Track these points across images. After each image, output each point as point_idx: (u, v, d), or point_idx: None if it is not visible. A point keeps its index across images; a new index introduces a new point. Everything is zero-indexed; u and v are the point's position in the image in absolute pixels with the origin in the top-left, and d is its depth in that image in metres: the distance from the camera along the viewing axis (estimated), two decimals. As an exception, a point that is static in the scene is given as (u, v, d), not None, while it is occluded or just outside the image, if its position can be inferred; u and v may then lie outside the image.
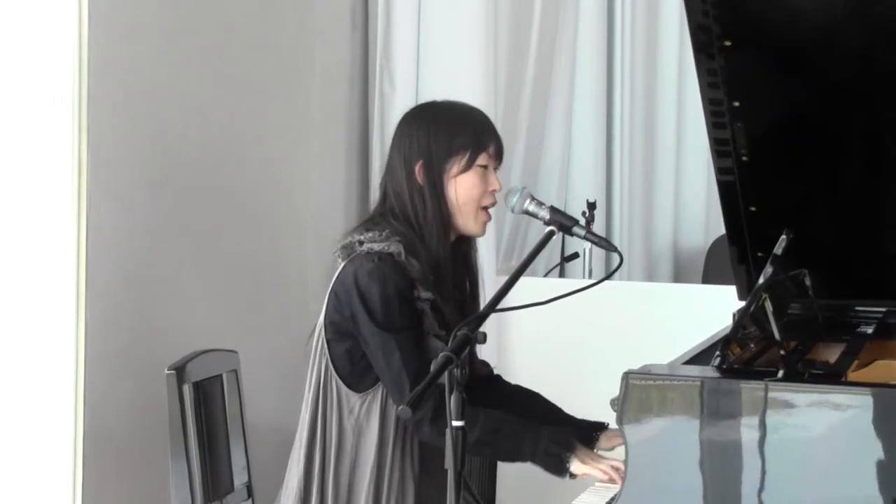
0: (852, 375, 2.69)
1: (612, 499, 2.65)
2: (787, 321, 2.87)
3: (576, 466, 2.88)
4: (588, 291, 2.84)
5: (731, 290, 4.76)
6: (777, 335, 2.60)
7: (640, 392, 2.40)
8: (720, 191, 3.14)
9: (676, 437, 2.37)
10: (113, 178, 3.90)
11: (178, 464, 3.29)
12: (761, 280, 2.74)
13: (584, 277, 5.40)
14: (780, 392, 2.34)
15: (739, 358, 2.71)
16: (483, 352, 3.22)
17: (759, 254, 3.20)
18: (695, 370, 2.53)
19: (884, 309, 3.24)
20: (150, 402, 3.89)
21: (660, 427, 2.39)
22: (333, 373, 3.02)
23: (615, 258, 5.98)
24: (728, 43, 2.77)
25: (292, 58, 4.80)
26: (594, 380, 4.67)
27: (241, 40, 4.50)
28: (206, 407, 3.42)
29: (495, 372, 3.38)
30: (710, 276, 5.87)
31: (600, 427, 3.17)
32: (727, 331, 3.23)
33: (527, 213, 2.99)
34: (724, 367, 2.53)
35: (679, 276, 6.31)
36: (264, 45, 4.63)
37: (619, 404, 2.40)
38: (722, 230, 5.98)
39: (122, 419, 3.94)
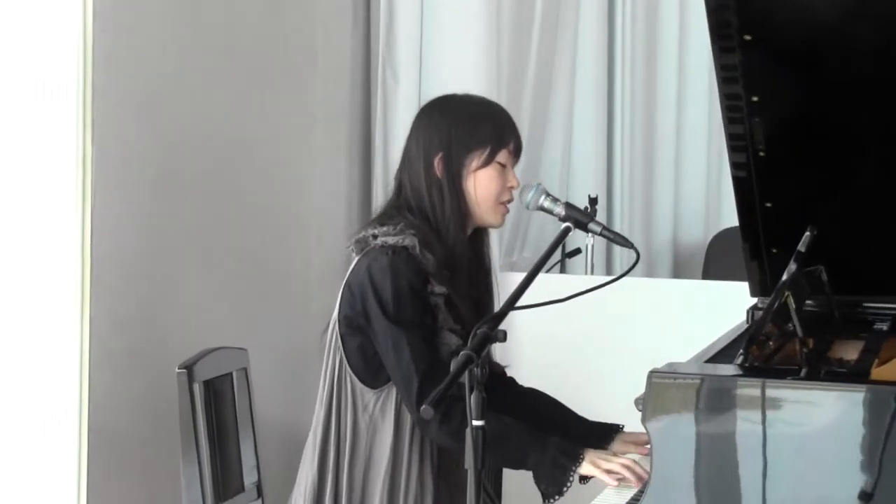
0: (874, 373, 2.67)
1: (633, 498, 2.63)
2: (803, 318, 2.85)
3: (585, 468, 2.84)
4: (582, 287, 2.84)
5: (731, 286, 4.78)
6: (800, 333, 2.57)
7: (665, 391, 2.37)
8: (735, 186, 3.11)
9: (702, 436, 2.34)
10: (117, 172, 3.86)
11: (189, 463, 3.26)
12: (785, 276, 2.71)
13: (586, 273, 5.38)
14: (808, 391, 2.32)
15: (760, 356, 2.69)
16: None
17: (774, 250, 3.17)
18: (720, 369, 2.50)
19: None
20: (154, 400, 3.86)
21: (684, 426, 2.36)
22: (348, 369, 2.99)
23: (616, 254, 6.04)
24: (748, 37, 2.74)
25: (295, 51, 4.78)
26: (593, 375, 4.71)
27: (245, 34, 4.47)
28: (217, 406, 3.39)
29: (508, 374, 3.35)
30: (711, 271, 5.87)
31: (615, 430, 3.14)
32: (741, 328, 3.24)
33: (542, 209, 2.97)
34: (747, 365, 2.50)
35: (679, 271, 6.30)
36: (268, 39, 4.60)
37: (644, 403, 2.37)
38: (722, 225, 6.08)
39: (126, 417, 3.90)
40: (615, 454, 2.91)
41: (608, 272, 5.85)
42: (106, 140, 3.79)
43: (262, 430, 3.71)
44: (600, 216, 5.62)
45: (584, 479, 2.90)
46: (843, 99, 2.85)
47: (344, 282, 3.02)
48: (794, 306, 2.59)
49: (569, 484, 2.83)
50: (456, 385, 2.31)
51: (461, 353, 2.31)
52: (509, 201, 3.08)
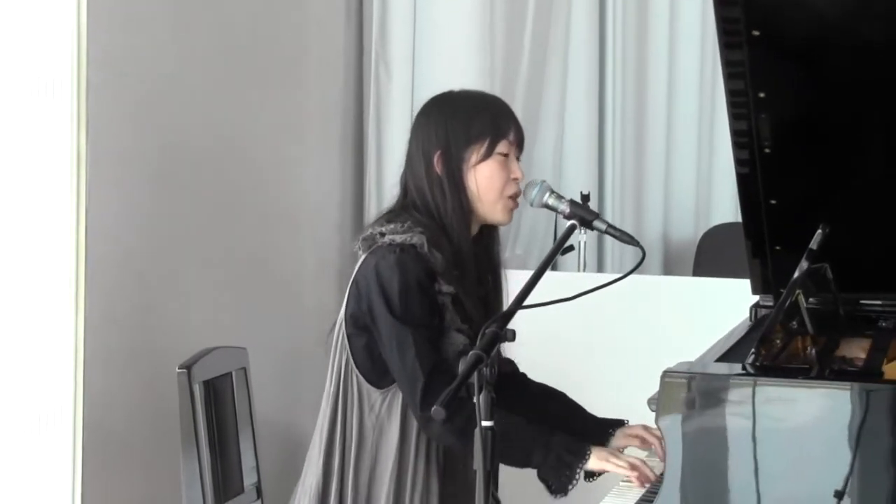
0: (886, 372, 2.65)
1: (643, 499, 2.61)
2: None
3: (594, 463, 2.81)
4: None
5: (722, 282, 4.77)
6: (811, 331, 2.55)
7: (679, 391, 2.35)
8: (738, 183, 3.09)
9: (716, 435, 2.32)
10: (112, 170, 3.84)
11: (189, 465, 3.22)
12: (797, 274, 2.69)
13: (578, 271, 5.36)
14: (824, 390, 2.31)
15: (767, 354, 2.67)
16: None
17: (777, 247, 3.15)
18: (734, 369, 2.48)
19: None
20: (149, 399, 3.84)
21: (699, 426, 2.34)
22: (354, 369, 2.95)
23: (608, 251, 6.02)
24: (756, 33, 2.71)
25: (288, 48, 4.76)
26: (585, 372, 4.69)
27: (238, 31, 4.45)
28: (217, 406, 3.35)
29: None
30: (701, 267, 5.86)
31: (617, 424, 3.12)
32: (745, 325, 3.22)
33: (546, 206, 2.94)
34: (758, 364, 2.48)
35: (669, 268, 6.28)
36: (261, 37, 4.59)
37: (657, 403, 2.35)
38: (712, 222, 6.07)
39: (121, 416, 3.88)
40: (621, 452, 2.88)
41: (600, 269, 5.83)
42: (100, 138, 3.76)
43: (259, 430, 3.68)
44: (591, 213, 5.59)
45: (591, 477, 2.88)
46: (851, 96, 2.82)
47: (351, 280, 2.98)
48: (805, 305, 2.56)
49: (575, 481, 2.80)
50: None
51: (471, 352, 2.28)
52: (516, 195, 3.03)
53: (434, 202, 2.98)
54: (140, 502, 3.98)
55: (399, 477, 2.93)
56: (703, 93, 6.04)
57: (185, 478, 3.23)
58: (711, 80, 5.98)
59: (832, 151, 2.94)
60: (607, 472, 2.83)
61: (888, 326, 3.06)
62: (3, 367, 3.64)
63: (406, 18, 5.03)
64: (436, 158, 2.98)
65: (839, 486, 2.26)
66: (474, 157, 2.99)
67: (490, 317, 2.98)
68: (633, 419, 3.17)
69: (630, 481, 2.77)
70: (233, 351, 3.54)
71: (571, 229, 2.86)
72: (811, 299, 2.95)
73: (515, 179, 3.02)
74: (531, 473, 2.90)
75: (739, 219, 5.83)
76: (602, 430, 3.09)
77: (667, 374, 2.37)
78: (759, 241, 3.18)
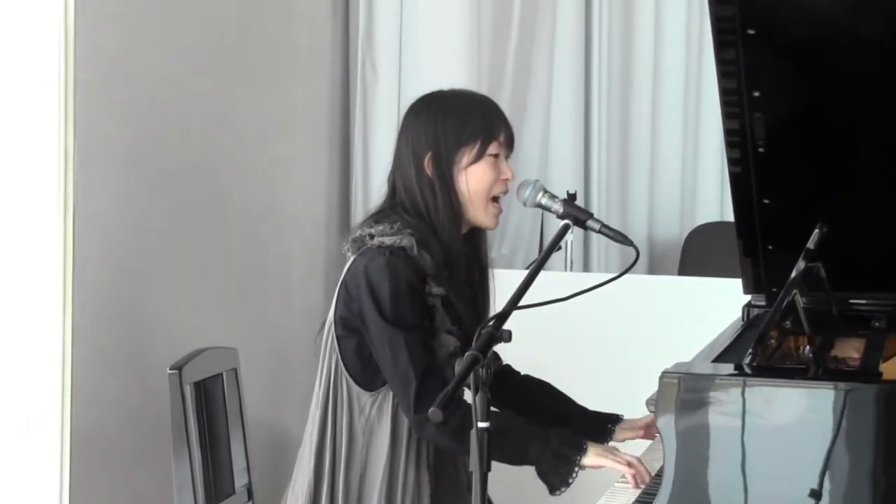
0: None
1: (639, 500, 2.60)
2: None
3: (589, 459, 2.80)
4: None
5: (707, 282, 4.77)
6: (808, 331, 2.54)
7: (678, 392, 2.34)
8: (731, 182, 3.07)
9: (716, 435, 2.32)
10: (100, 170, 3.83)
11: (181, 466, 3.19)
12: (794, 274, 2.68)
13: (565, 270, 5.36)
14: (822, 391, 2.30)
15: (763, 354, 2.66)
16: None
17: (770, 247, 3.14)
18: (731, 369, 2.47)
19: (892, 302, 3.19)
20: (138, 401, 3.82)
21: (698, 426, 2.33)
22: (343, 371, 2.94)
23: (593, 250, 6.01)
24: (752, 31, 2.69)
25: (275, 47, 4.76)
26: (568, 370, 4.67)
27: (226, 30, 4.44)
28: (208, 407, 3.33)
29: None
30: (687, 267, 5.86)
31: (615, 420, 3.11)
32: (737, 324, 3.22)
33: (539, 206, 2.91)
34: (755, 364, 2.47)
35: (654, 267, 6.28)
36: (248, 36, 4.58)
37: (656, 404, 2.34)
38: (697, 221, 6.07)
39: (109, 418, 3.86)
40: (617, 450, 2.87)
41: (586, 269, 5.83)
42: (88, 137, 3.75)
43: (248, 432, 3.66)
44: (578, 213, 5.59)
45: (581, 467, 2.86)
46: (847, 96, 2.81)
47: (340, 282, 2.96)
48: (802, 304, 2.56)
49: (574, 474, 2.79)
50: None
51: (467, 353, 2.26)
52: (504, 193, 3.02)
53: (424, 203, 2.96)
54: (128, 505, 3.96)
55: (390, 479, 2.91)
56: (689, 92, 6.04)
57: (176, 480, 3.20)
58: (696, 79, 5.99)
59: (827, 151, 2.93)
60: (604, 467, 2.82)
61: (881, 326, 3.05)
62: (-10, 369, 3.61)
63: (392, 18, 5.02)
64: (426, 160, 2.97)
65: (838, 486, 2.26)
66: (465, 159, 2.97)
67: (479, 317, 3.00)
68: (619, 416, 3.18)
69: (626, 480, 2.76)
70: (224, 351, 3.52)
71: (565, 229, 2.84)
72: (803, 299, 2.95)
73: (505, 179, 3.01)
74: (527, 474, 2.89)
75: (724, 218, 5.92)
76: (598, 425, 3.09)
77: (665, 374, 2.36)
78: (751, 240, 3.16)
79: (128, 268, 3.96)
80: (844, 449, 2.27)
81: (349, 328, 2.93)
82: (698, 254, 5.91)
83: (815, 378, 2.46)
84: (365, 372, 2.93)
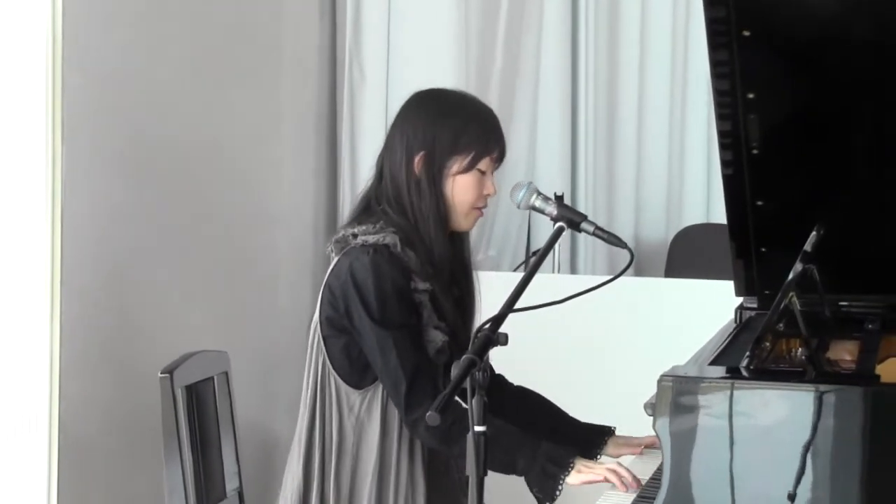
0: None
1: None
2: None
3: (572, 478, 2.78)
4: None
5: (694, 284, 4.77)
6: (805, 333, 2.54)
7: (676, 395, 2.34)
8: (724, 184, 3.06)
9: (713, 438, 2.31)
10: (87, 172, 3.81)
11: (172, 471, 3.17)
12: (791, 276, 2.67)
13: (553, 272, 5.35)
14: (822, 393, 2.29)
15: (759, 357, 2.65)
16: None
17: (763, 249, 3.13)
18: (728, 372, 2.46)
19: (882, 304, 3.19)
20: (127, 405, 3.80)
21: (696, 429, 2.33)
22: (331, 370, 2.93)
23: (580, 252, 6.00)
24: (747, 33, 2.68)
25: (262, 48, 4.75)
26: (555, 372, 4.66)
27: (213, 31, 4.43)
28: (199, 411, 3.30)
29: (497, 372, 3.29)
30: (673, 269, 5.85)
31: (606, 432, 3.10)
32: (730, 327, 3.20)
33: (533, 208, 2.90)
34: (752, 367, 2.47)
35: (641, 269, 6.28)
36: (235, 36, 4.56)
37: (654, 407, 2.33)
38: (683, 223, 6.07)
39: (98, 423, 3.84)
40: (600, 463, 2.86)
41: (573, 271, 5.82)
42: (76, 139, 3.73)
43: (238, 435, 3.65)
44: (565, 214, 5.58)
45: None
46: (842, 97, 2.80)
47: (324, 283, 2.95)
48: (799, 307, 2.55)
49: (558, 492, 2.78)
50: (445, 386, 2.26)
51: (464, 356, 2.25)
52: (484, 207, 3.03)
53: (409, 200, 2.95)
54: (117, 510, 3.94)
55: (381, 476, 2.90)
56: (675, 94, 6.04)
57: (167, 484, 3.18)
58: (682, 81, 5.99)
59: (822, 152, 2.92)
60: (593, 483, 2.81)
61: (874, 328, 3.04)
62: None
63: (380, 19, 5.02)
64: (417, 158, 2.96)
65: (834, 489, 2.26)
66: (456, 167, 2.96)
67: (465, 317, 3.00)
68: (602, 419, 3.17)
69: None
70: (215, 355, 3.51)
71: (559, 231, 2.83)
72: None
73: (488, 195, 3.01)
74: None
75: (711, 220, 5.92)
76: (588, 438, 3.08)
77: (662, 378, 2.35)
78: (744, 242, 3.15)
79: (116, 271, 3.94)
80: (844, 451, 2.27)
81: (336, 328, 2.92)
82: (684, 256, 5.91)
83: (812, 381, 2.45)
84: (353, 370, 2.92)
